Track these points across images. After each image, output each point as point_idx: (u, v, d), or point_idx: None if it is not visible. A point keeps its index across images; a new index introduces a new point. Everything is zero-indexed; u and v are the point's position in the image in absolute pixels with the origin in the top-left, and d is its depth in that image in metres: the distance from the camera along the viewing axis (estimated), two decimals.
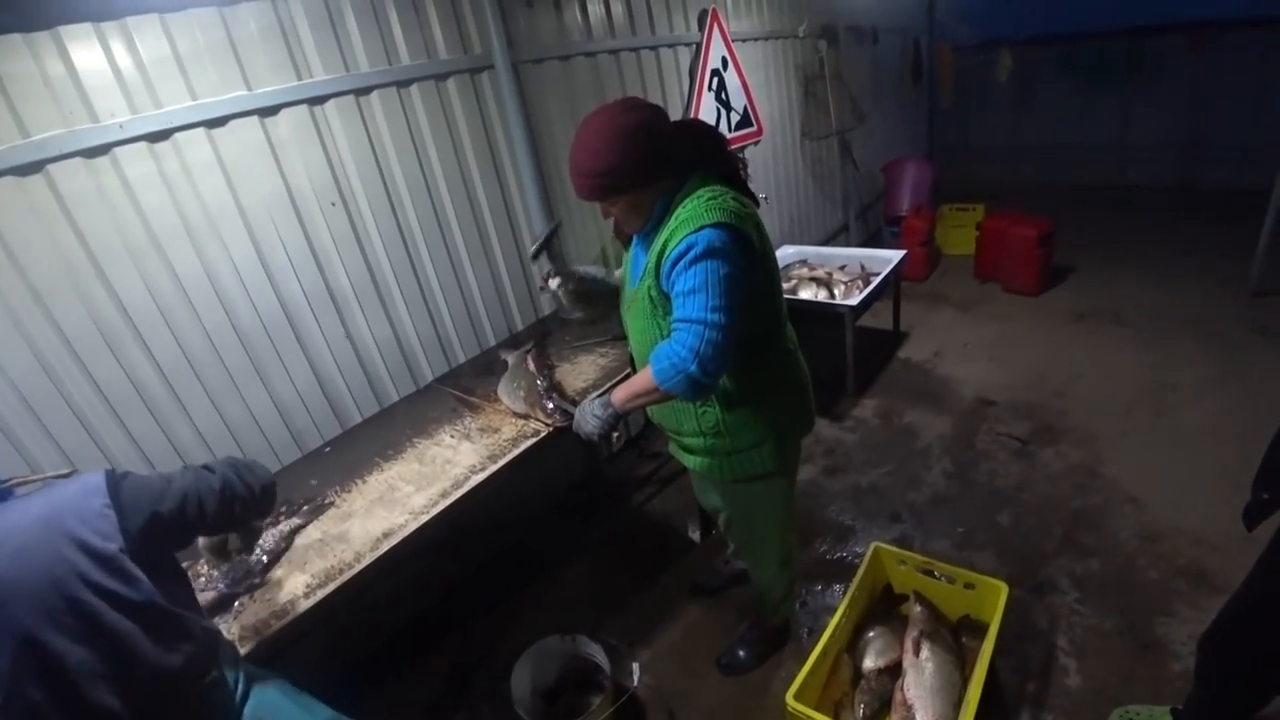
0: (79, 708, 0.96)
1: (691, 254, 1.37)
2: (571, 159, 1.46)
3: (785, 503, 1.91)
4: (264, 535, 1.71)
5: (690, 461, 1.80)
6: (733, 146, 1.63)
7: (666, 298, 1.48)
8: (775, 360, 1.66)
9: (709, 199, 1.42)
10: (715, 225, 1.37)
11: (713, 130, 1.61)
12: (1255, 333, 3.82)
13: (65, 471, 1.16)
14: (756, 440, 1.67)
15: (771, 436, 1.68)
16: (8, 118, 1.56)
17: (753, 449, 1.68)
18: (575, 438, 1.78)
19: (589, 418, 1.67)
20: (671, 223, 1.44)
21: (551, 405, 1.99)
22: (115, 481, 1.06)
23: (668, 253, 1.42)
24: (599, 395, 1.69)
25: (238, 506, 1.24)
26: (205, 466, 1.23)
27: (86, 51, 1.65)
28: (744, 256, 1.42)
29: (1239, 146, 6.23)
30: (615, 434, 1.71)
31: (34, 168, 1.60)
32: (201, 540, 1.58)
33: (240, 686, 1.21)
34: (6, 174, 1.56)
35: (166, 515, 1.10)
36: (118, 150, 1.72)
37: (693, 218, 1.40)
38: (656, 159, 1.44)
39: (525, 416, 2.08)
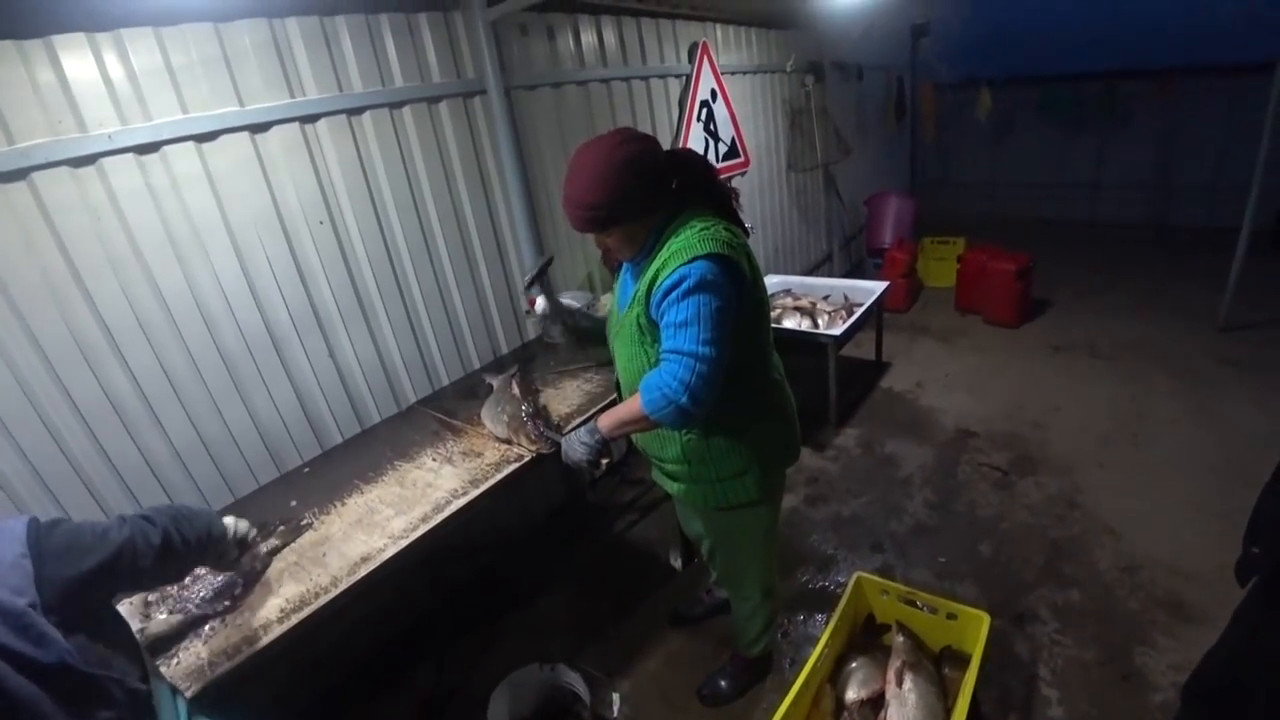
0: None
1: (684, 286, 1.38)
2: (565, 191, 1.47)
3: (768, 532, 1.90)
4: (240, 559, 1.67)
5: (673, 488, 1.79)
6: (721, 177, 1.65)
7: (655, 325, 1.49)
8: (762, 389, 1.66)
9: (701, 230, 1.44)
10: (708, 257, 1.39)
11: (704, 161, 1.63)
12: (1225, 365, 3.93)
13: None
14: (740, 469, 1.67)
15: (756, 465, 1.67)
16: None
17: (736, 478, 1.68)
18: (558, 463, 1.77)
19: (576, 445, 1.68)
20: (664, 252, 1.45)
21: (535, 431, 1.98)
22: (40, 531, 0.98)
23: (659, 283, 1.43)
24: (584, 422, 1.69)
25: (175, 562, 1.19)
26: (146, 518, 1.17)
27: (78, 61, 1.64)
28: (734, 287, 1.43)
29: (1207, 186, 6.48)
30: (604, 460, 1.71)
31: (18, 175, 1.57)
32: None
33: None
34: None
35: (96, 570, 1.01)
36: (105, 161, 1.71)
37: (685, 248, 1.41)
38: (650, 192, 1.46)
39: (508, 441, 2.06)
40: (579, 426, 1.73)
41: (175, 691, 1.17)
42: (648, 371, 1.48)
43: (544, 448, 1.93)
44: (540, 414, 2.06)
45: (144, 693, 1.03)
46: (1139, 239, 6.64)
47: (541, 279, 1.93)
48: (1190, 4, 6.31)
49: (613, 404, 1.64)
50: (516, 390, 2.17)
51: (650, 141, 1.48)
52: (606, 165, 1.41)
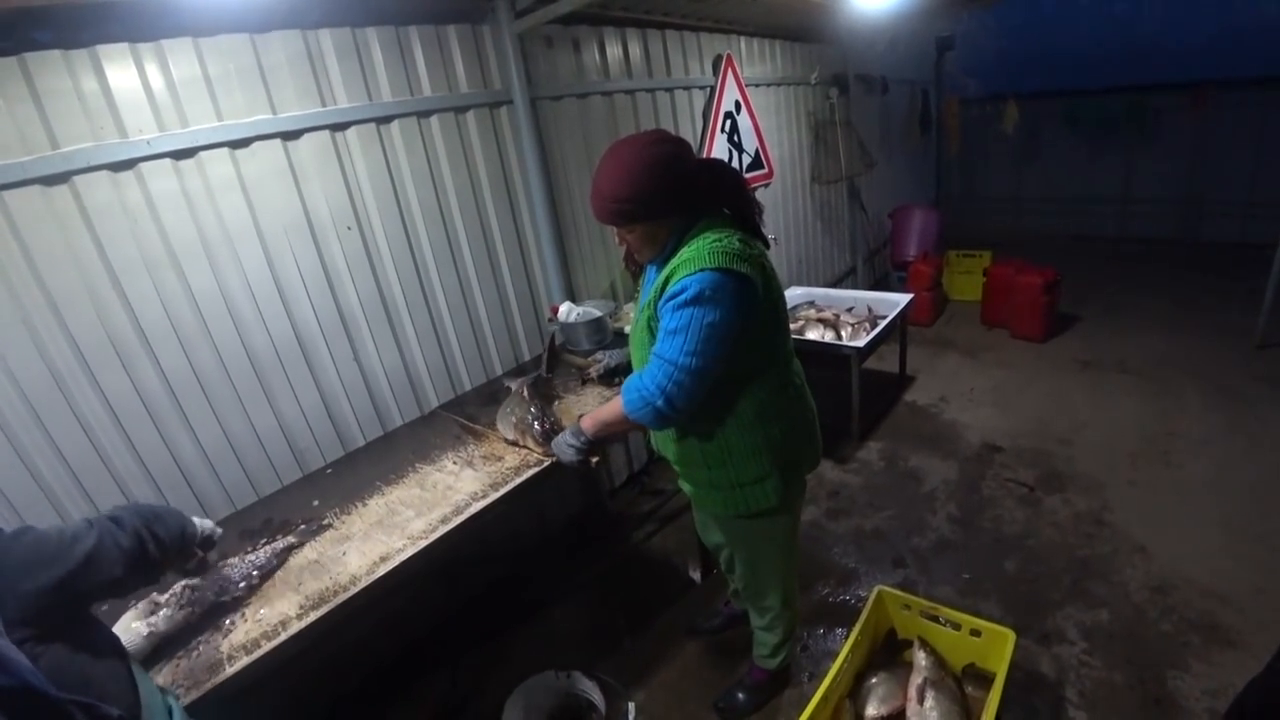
0: None
1: (683, 297, 1.41)
2: (595, 182, 1.51)
3: (789, 541, 1.89)
4: (257, 552, 1.69)
5: (695, 495, 1.80)
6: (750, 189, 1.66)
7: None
8: (780, 395, 1.65)
9: (714, 241, 1.45)
10: (715, 269, 1.41)
11: (735, 172, 1.63)
12: (1262, 383, 3.82)
13: None
14: (760, 475, 1.66)
15: (775, 471, 1.67)
16: (40, 130, 1.60)
17: (755, 483, 1.67)
18: (574, 470, 1.82)
19: (564, 447, 1.78)
20: (676, 259, 1.48)
21: (541, 433, 1.98)
22: (2, 542, 0.94)
23: (668, 289, 1.46)
24: (573, 425, 1.78)
25: (148, 566, 1.14)
26: (115, 519, 1.11)
27: (121, 70, 1.70)
28: (737, 301, 1.44)
29: (1240, 201, 6.34)
30: (594, 460, 1.80)
31: (60, 178, 1.63)
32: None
33: None
34: (33, 183, 1.59)
35: (61, 581, 0.96)
36: (143, 165, 1.76)
37: (695, 258, 1.43)
38: (676, 193, 1.48)
39: (515, 443, 2.07)
40: (567, 429, 1.80)
41: (167, 694, 1.13)
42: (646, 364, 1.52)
43: (549, 451, 1.95)
44: (547, 418, 2.05)
45: (112, 716, 0.91)
46: (1169, 254, 6.50)
47: (555, 358, 2.04)
48: (1223, 17, 6.23)
49: (600, 407, 1.71)
50: (526, 393, 2.19)
51: (683, 145, 1.51)
52: (638, 161, 1.44)
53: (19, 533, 0.98)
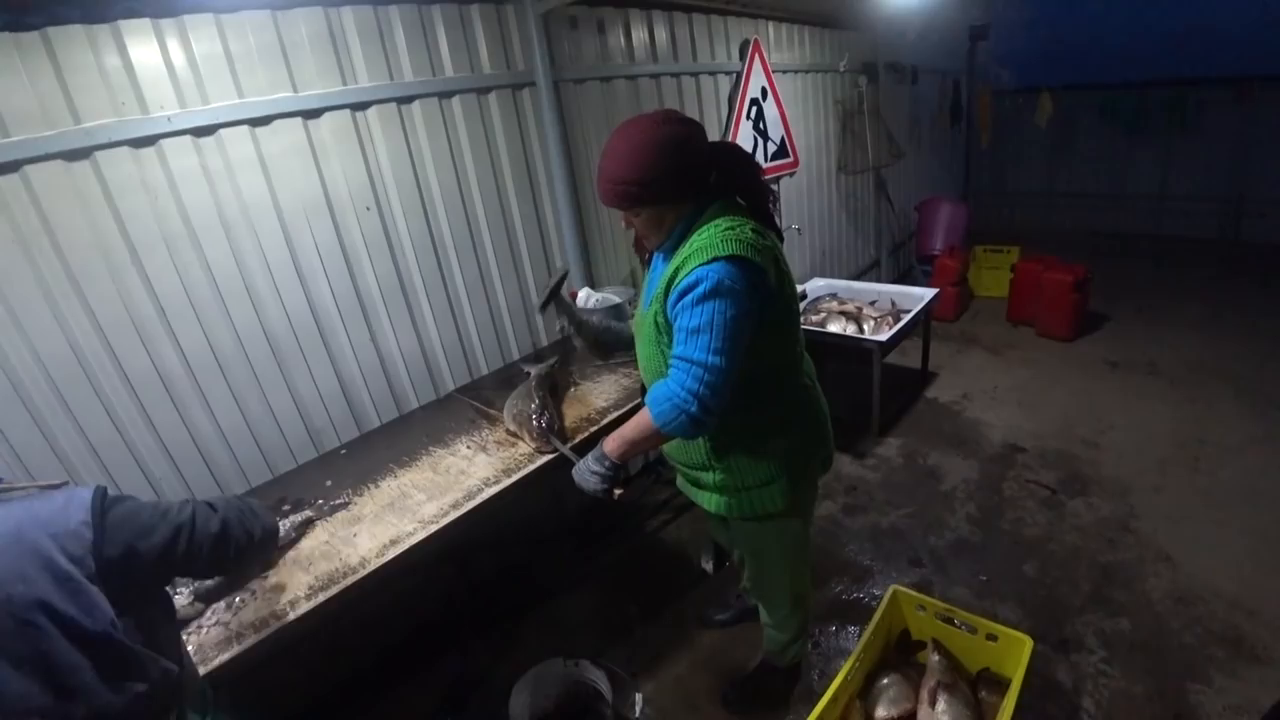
0: None
1: (700, 290, 1.32)
2: (600, 163, 1.43)
3: (798, 544, 1.84)
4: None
5: (699, 497, 1.75)
6: (767, 176, 1.59)
7: (671, 325, 1.44)
8: (789, 396, 1.60)
9: (726, 229, 1.38)
10: (729, 258, 1.32)
11: (748, 157, 1.56)
12: None
13: (56, 482, 1.05)
14: (767, 478, 1.61)
15: (783, 475, 1.61)
16: (62, 104, 1.59)
17: (762, 486, 1.62)
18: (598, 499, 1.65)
19: (588, 475, 1.57)
20: (686, 248, 1.40)
21: (538, 429, 1.95)
22: (106, 502, 0.98)
23: (678, 281, 1.38)
24: (590, 438, 1.69)
25: (233, 554, 1.18)
26: (210, 504, 1.16)
27: (143, 46, 1.69)
28: (754, 292, 1.36)
29: None
30: (617, 492, 1.59)
31: (82, 154, 1.63)
32: None
33: None
34: (56, 158, 1.59)
35: (152, 549, 1.01)
36: (164, 142, 1.76)
37: (707, 247, 1.35)
38: (684, 177, 1.40)
39: (514, 435, 2.06)
40: (589, 456, 1.58)
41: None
42: (663, 373, 1.43)
43: (543, 448, 1.93)
44: (546, 413, 2.01)
45: (173, 671, 1.04)
46: (1206, 255, 6.30)
47: (556, 297, 1.88)
48: (1270, 8, 6.00)
49: (621, 425, 1.57)
50: (533, 385, 2.18)
51: (694, 126, 1.42)
52: (645, 141, 1.36)
53: (121, 498, 1.02)
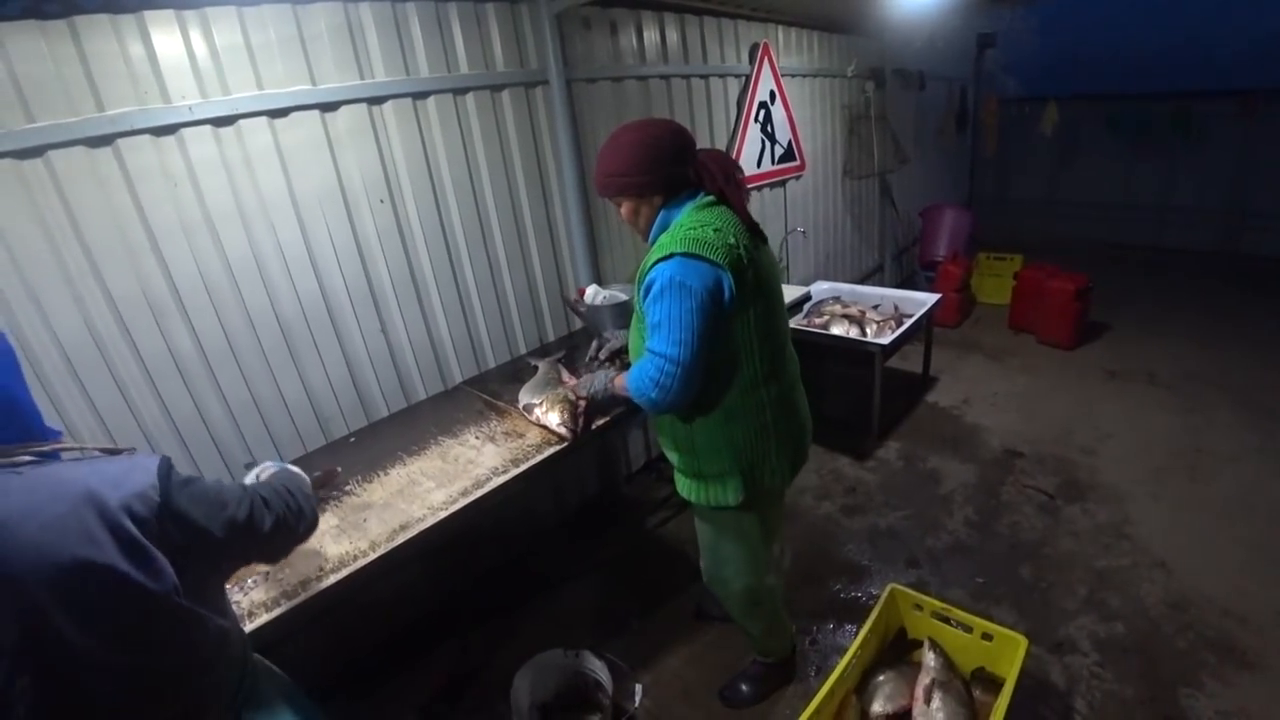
0: (67, 695, 0.88)
1: (658, 286, 1.46)
2: (597, 156, 1.64)
3: (751, 543, 1.83)
4: None
5: (676, 479, 1.84)
6: (768, 180, 1.69)
7: (645, 316, 1.56)
8: (749, 396, 1.61)
9: (689, 228, 1.49)
10: (684, 255, 1.44)
11: (728, 161, 1.64)
12: None
13: (122, 448, 1.07)
14: (721, 470, 1.68)
15: (737, 472, 1.66)
16: (87, 92, 1.62)
17: (716, 478, 1.69)
18: (594, 454, 1.85)
19: (596, 384, 1.93)
20: (655, 246, 1.53)
21: (573, 420, 1.97)
22: (172, 471, 1.01)
23: (643, 276, 1.52)
24: (611, 357, 2.13)
25: (275, 552, 1.24)
26: (265, 500, 1.16)
27: (166, 36, 1.72)
28: (709, 288, 1.44)
29: None
30: (595, 418, 1.96)
31: (105, 140, 1.66)
32: None
33: (242, 686, 1.15)
34: (79, 144, 1.62)
35: (209, 534, 1.03)
36: (185, 131, 1.79)
37: (667, 244, 1.48)
38: (653, 171, 1.55)
39: (531, 422, 2.09)
40: (609, 368, 2.06)
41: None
42: (642, 356, 1.58)
43: (569, 424, 1.97)
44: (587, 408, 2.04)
45: (225, 629, 1.10)
46: (1207, 266, 6.34)
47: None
48: (1275, 22, 6.03)
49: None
50: (566, 377, 2.23)
51: (674, 130, 1.59)
52: (627, 138, 1.57)
53: (189, 478, 1.05)
